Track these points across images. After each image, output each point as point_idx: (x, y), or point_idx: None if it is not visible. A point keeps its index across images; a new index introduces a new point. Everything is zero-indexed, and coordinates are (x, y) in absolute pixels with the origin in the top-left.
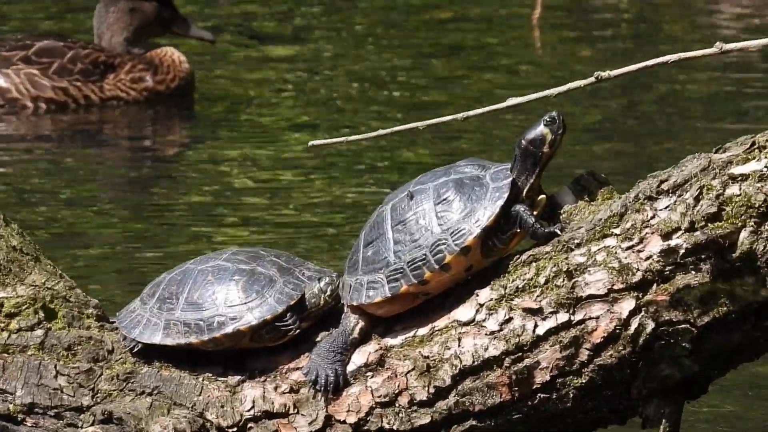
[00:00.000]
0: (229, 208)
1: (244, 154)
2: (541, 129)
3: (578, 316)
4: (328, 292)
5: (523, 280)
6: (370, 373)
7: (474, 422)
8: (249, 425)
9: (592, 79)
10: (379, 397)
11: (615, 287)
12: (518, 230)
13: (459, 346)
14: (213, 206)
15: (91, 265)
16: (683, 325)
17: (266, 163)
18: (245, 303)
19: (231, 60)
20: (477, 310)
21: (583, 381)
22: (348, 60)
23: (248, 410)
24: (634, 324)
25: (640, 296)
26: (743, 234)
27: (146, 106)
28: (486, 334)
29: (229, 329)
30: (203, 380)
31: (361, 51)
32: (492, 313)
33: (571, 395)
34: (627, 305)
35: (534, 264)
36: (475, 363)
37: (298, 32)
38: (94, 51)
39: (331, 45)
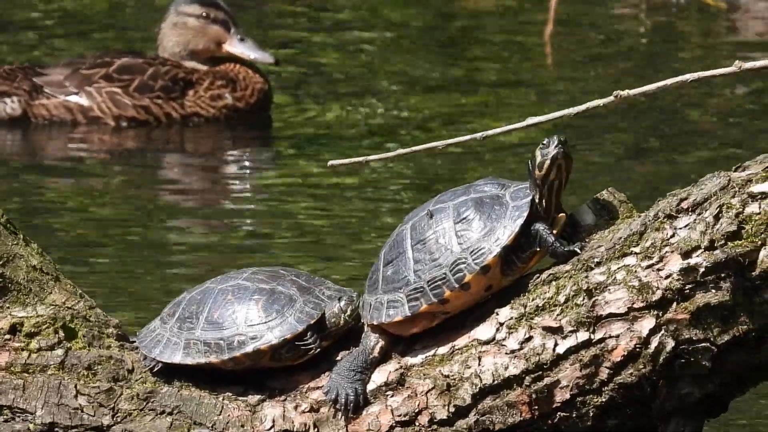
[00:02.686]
0: (279, 229)
1: (308, 173)
2: (535, 152)
3: (598, 335)
4: (348, 312)
5: (543, 298)
6: (390, 392)
7: None
8: None
9: (611, 98)
10: (399, 416)
11: (635, 306)
12: (538, 249)
13: (479, 364)
14: (266, 227)
15: (141, 285)
16: (703, 344)
17: (324, 183)
18: (265, 322)
19: (299, 67)
20: (497, 329)
21: (604, 399)
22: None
23: (268, 429)
24: (654, 342)
25: (660, 315)
26: (763, 252)
27: (225, 123)
28: (506, 353)
29: (249, 348)
30: (223, 399)
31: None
32: (512, 332)
33: (592, 414)
34: (647, 324)
35: (554, 283)
36: (496, 382)
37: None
38: (173, 67)
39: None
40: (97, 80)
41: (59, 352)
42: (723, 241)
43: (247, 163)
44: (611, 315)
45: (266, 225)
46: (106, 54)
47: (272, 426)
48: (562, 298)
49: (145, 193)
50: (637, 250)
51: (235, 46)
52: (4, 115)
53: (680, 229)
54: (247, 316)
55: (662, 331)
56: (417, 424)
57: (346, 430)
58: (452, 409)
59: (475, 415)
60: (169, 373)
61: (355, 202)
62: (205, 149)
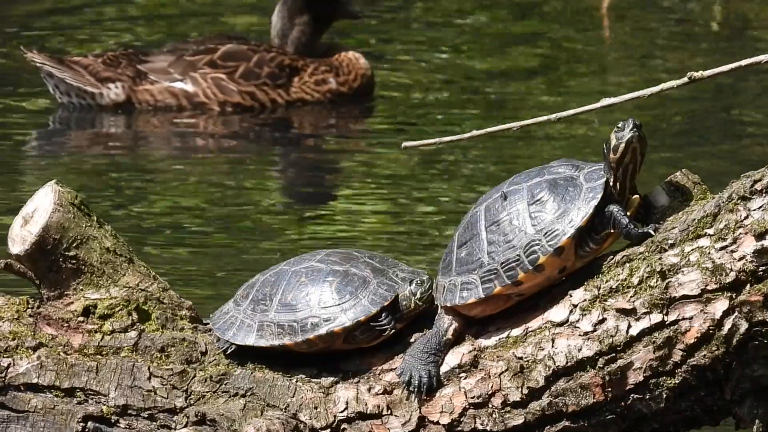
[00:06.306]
0: (374, 213)
1: (407, 156)
2: (610, 135)
3: (672, 317)
4: (418, 295)
5: (617, 280)
6: (463, 374)
7: (567, 423)
8: (342, 426)
9: (685, 80)
10: (472, 398)
11: (708, 287)
12: (612, 231)
13: (552, 346)
14: (362, 211)
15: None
16: None
17: (422, 166)
18: (339, 304)
19: (404, 56)
20: (570, 311)
21: (677, 381)
22: (433, 59)
23: (342, 411)
24: (728, 324)
25: (734, 296)
26: None
27: (329, 107)
28: (579, 335)
29: (322, 331)
30: (297, 381)
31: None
32: (585, 314)
33: (665, 396)
34: (720, 306)
35: (627, 264)
36: (569, 364)
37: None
38: (278, 54)
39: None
40: (201, 66)
41: (132, 334)
42: None
43: (348, 148)
44: (685, 297)
45: (363, 209)
46: (209, 40)
47: (346, 408)
48: (635, 280)
49: (246, 178)
50: (710, 231)
51: (344, 15)
52: (109, 101)
53: (754, 210)
54: (321, 298)
55: (736, 313)
56: (490, 406)
57: (420, 412)
58: (525, 391)
59: (548, 396)
60: (243, 355)
61: (451, 186)
62: (308, 134)
